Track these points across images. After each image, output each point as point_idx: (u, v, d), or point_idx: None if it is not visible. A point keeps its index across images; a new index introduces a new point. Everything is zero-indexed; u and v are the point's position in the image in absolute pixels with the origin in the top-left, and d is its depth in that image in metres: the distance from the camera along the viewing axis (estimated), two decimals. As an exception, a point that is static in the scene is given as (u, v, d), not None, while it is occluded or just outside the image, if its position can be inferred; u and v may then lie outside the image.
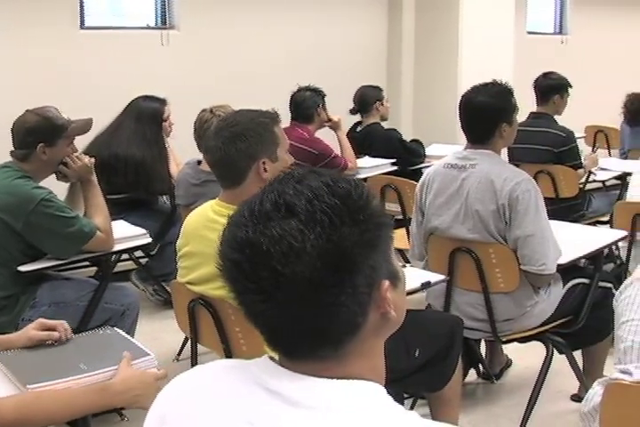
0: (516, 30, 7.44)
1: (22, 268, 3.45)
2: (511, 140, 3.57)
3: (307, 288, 1.11)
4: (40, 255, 3.52)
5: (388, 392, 1.19)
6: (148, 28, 6.45)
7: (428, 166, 4.77)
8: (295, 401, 1.14)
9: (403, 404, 2.06)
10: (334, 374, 1.17)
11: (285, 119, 4.25)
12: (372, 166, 5.57)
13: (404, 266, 3.40)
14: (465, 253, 3.47)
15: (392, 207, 5.10)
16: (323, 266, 1.11)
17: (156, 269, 5.10)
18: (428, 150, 5.99)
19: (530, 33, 8.64)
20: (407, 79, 7.49)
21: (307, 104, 5.44)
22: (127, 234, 3.85)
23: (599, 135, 7.61)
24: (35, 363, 2.42)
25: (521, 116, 3.83)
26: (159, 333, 4.53)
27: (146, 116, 4.93)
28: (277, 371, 1.19)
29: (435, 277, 3.23)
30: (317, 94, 5.48)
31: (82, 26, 5.97)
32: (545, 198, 3.49)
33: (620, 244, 4.17)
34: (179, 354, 4.34)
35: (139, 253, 5.00)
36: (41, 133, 3.48)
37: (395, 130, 6.01)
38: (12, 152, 3.56)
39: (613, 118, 7.10)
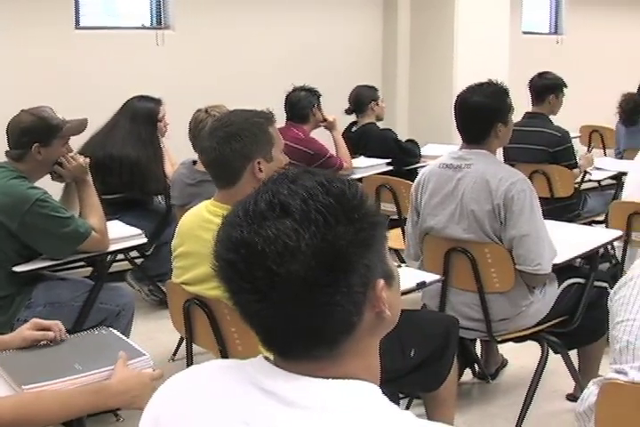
0: (511, 30, 7.44)
1: (17, 268, 3.45)
2: (506, 140, 3.58)
3: (302, 288, 1.11)
4: (35, 256, 3.51)
5: (384, 392, 1.19)
6: (143, 28, 6.44)
7: (423, 166, 4.78)
8: (290, 401, 1.14)
9: (398, 404, 2.07)
10: (329, 374, 1.17)
11: (281, 119, 4.25)
12: (367, 166, 5.56)
13: (400, 266, 3.40)
14: (460, 253, 3.47)
15: (387, 207, 5.09)
16: (317, 265, 1.11)
17: (152, 270, 5.10)
18: (424, 150, 5.99)
19: (525, 33, 8.64)
20: (402, 79, 7.49)
21: (302, 104, 5.44)
22: (122, 234, 3.85)
23: (594, 135, 7.62)
24: (30, 363, 2.41)
25: (516, 116, 3.84)
26: (154, 333, 4.52)
27: (141, 117, 4.92)
28: (272, 371, 1.20)
29: (430, 277, 3.23)
30: (312, 94, 5.48)
31: (77, 26, 5.97)
32: (540, 198, 3.49)
33: (616, 243, 4.18)
34: (174, 354, 4.33)
35: (134, 254, 4.99)
36: (36, 133, 3.48)
37: (390, 130, 6.01)
38: (7, 152, 3.56)
39: (609, 118, 7.12)
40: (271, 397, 1.16)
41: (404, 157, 5.73)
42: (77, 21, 5.98)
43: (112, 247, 3.71)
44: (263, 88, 6.17)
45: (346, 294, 1.13)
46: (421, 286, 3.13)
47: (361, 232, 1.14)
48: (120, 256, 4.78)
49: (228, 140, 2.69)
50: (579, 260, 3.81)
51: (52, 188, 3.65)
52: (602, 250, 3.90)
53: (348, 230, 1.13)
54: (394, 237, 4.56)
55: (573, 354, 3.69)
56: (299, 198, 1.14)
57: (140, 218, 4.69)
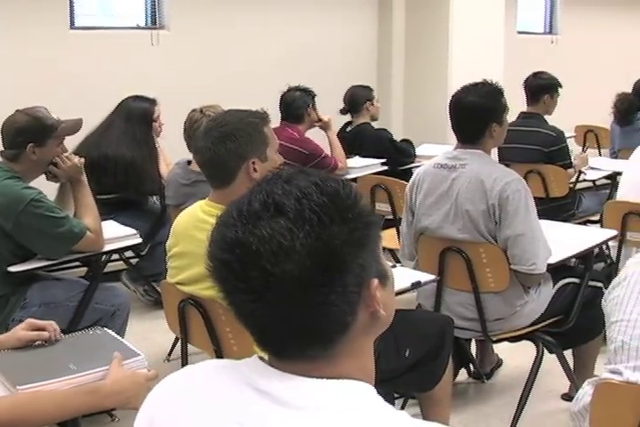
0: (506, 30, 7.45)
1: (12, 268, 3.45)
2: (501, 140, 3.58)
3: (296, 287, 1.11)
4: (30, 256, 3.51)
5: (379, 392, 1.19)
6: (138, 28, 6.44)
7: (418, 166, 4.78)
8: (284, 401, 1.14)
9: (393, 404, 2.07)
10: (324, 374, 1.17)
11: (275, 119, 4.25)
12: (362, 166, 5.56)
13: (395, 266, 3.40)
14: (455, 253, 3.47)
15: (382, 207, 5.10)
16: (312, 265, 1.11)
17: (147, 270, 5.09)
18: (419, 150, 5.99)
19: (520, 33, 8.65)
20: (397, 79, 7.49)
21: (297, 104, 5.44)
22: (117, 234, 3.84)
23: (589, 135, 7.62)
24: (24, 364, 2.41)
25: (511, 116, 3.84)
26: (149, 333, 4.52)
27: (136, 117, 4.92)
28: (267, 371, 1.19)
29: (425, 276, 3.23)
30: (307, 94, 5.48)
31: (72, 26, 5.96)
32: (535, 198, 3.49)
33: (611, 243, 4.18)
34: (169, 354, 4.33)
35: (129, 254, 4.99)
36: (31, 133, 3.48)
37: (385, 130, 6.01)
38: (1, 152, 3.56)
39: (603, 118, 7.11)
40: (265, 397, 1.16)
41: (398, 156, 5.74)
42: (72, 21, 5.97)
43: (107, 247, 3.70)
44: (259, 88, 6.16)
45: (340, 294, 1.13)
46: (416, 285, 3.13)
47: (355, 232, 1.14)
48: (115, 256, 4.77)
49: (222, 140, 2.69)
50: (574, 259, 3.82)
51: (46, 188, 3.64)
52: (597, 250, 3.91)
53: (342, 230, 1.13)
54: (389, 237, 4.56)
55: (568, 354, 3.70)
56: (293, 198, 1.14)
57: (135, 218, 4.69)
